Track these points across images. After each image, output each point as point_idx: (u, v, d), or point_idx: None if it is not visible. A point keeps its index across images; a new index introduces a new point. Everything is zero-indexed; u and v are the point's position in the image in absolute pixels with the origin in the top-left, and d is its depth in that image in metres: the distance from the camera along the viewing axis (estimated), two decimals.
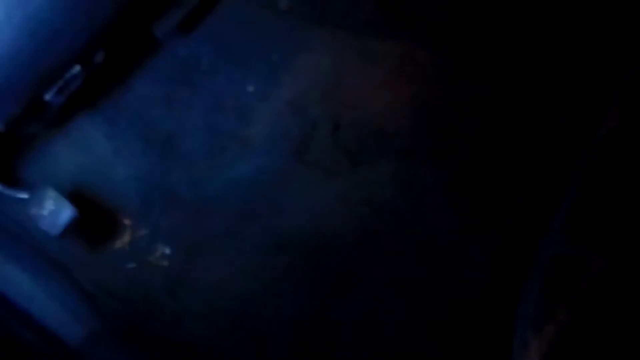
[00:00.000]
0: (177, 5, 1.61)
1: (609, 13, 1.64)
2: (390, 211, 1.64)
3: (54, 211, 1.44)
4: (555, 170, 1.46)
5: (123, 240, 1.68)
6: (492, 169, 1.63)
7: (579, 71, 1.64)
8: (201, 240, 1.67)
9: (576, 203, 1.22)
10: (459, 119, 1.69)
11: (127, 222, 1.68)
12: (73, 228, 1.54)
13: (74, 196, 1.60)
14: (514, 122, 1.66)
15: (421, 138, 1.69)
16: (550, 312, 1.09)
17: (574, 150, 1.35)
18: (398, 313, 1.60)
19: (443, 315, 1.57)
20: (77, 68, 1.29)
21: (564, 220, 1.22)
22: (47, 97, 1.30)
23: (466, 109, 1.69)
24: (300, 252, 1.64)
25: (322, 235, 1.64)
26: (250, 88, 1.77)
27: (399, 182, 1.66)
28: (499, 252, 1.55)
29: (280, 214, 1.67)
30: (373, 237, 1.63)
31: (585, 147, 1.30)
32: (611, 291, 1.10)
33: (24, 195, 1.47)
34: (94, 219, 1.65)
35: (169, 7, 1.60)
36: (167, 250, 1.67)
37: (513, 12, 1.72)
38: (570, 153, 1.38)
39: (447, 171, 1.65)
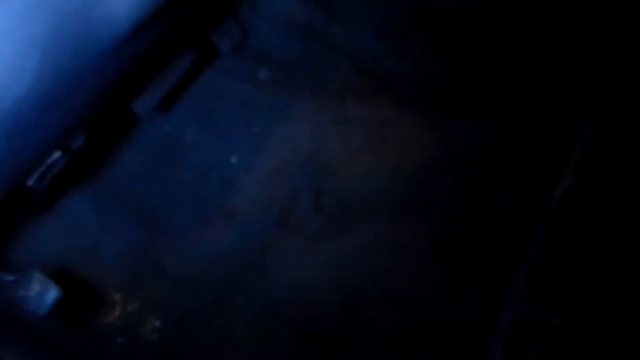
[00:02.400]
0: (156, 83, 1.64)
1: (567, 74, 1.68)
2: (372, 276, 1.65)
3: (40, 292, 1.45)
4: (527, 228, 1.49)
5: (114, 315, 1.69)
6: (472, 229, 1.65)
7: (547, 131, 1.67)
8: (190, 312, 1.69)
9: (536, 263, 1.24)
10: (438, 181, 1.71)
11: (117, 297, 1.70)
12: (61, 306, 1.55)
13: (63, 274, 1.62)
14: (491, 180, 1.69)
15: (402, 201, 1.71)
16: None
17: (540, 209, 1.37)
18: None
19: None
20: (57, 154, 1.31)
21: (524, 280, 1.24)
22: (30, 182, 1.33)
23: (445, 170, 1.72)
24: (286, 320, 1.65)
25: (307, 303, 1.65)
26: (234, 159, 1.80)
27: (382, 246, 1.67)
28: (483, 310, 1.56)
29: (266, 283, 1.68)
30: (356, 303, 1.64)
31: (545, 205, 1.33)
32: (570, 349, 1.11)
33: (10, 278, 1.49)
34: (84, 295, 1.66)
35: (148, 85, 1.63)
36: (157, 323, 1.68)
37: (489, 70, 1.76)
38: (537, 211, 1.40)
39: (428, 233, 1.66)
